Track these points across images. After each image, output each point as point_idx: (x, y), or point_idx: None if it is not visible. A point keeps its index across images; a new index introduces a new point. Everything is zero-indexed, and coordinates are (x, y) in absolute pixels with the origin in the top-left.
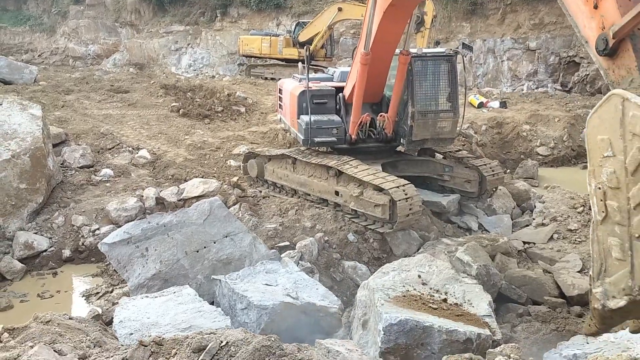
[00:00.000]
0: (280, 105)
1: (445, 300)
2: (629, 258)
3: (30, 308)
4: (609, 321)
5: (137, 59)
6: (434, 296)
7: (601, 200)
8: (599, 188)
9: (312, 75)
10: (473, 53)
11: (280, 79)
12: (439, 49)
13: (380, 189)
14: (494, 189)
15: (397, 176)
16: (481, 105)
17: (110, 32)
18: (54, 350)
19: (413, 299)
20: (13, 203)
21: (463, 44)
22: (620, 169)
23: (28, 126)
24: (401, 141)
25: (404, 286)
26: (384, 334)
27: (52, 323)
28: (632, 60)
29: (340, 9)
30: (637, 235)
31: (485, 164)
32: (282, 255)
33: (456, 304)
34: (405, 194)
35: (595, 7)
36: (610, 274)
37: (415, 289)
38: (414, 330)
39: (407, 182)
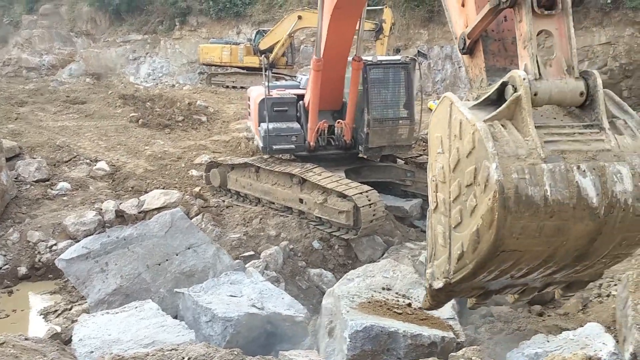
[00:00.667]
0: (249, 112)
1: (409, 304)
2: (448, 245)
3: None
4: (437, 299)
5: (94, 69)
6: (398, 301)
7: (434, 191)
8: (433, 180)
9: (279, 82)
10: (429, 60)
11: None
12: (395, 57)
13: (343, 196)
14: None
15: (360, 182)
16: None
17: (66, 42)
18: None
19: (378, 305)
20: None
21: (418, 51)
22: (446, 165)
23: None
24: (359, 148)
25: (368, 292)
26: (349, 341)
27: (6, 345)
28: (482, 61)
29: (299, 17)
30: (454, 225)
31: None
32: (247, 265)
33: (420, 308)
34: (369, 200)
35: (463, 5)
36: (437, 257)
37: (380, 295)
38: (380, 336)
39: (370, 188)
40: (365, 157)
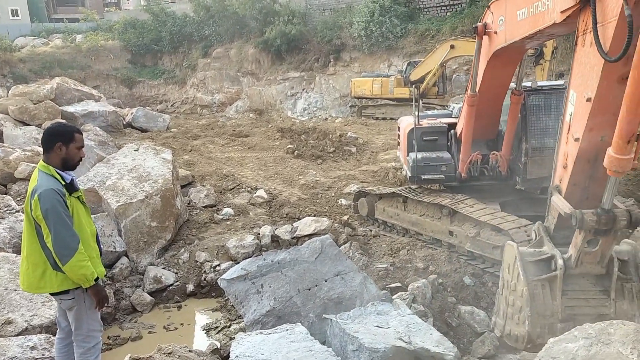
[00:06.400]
0: (398, 142)
1: None
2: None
3: (157, 339)
4: None
5: (256, 105)
6: None
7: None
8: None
9: (430, 112)
10: None
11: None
12: (558, 82)
13: (498, 230)
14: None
15: (518, 216)
16: None
17: (233, 82)
18: None
19: None
20: (145, 240)
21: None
22: (507, 286)
23: (160, 169)
24: (516, 179)
25: None
26: None
27: (173, 355)
28: None
29: (452, 47)
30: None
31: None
32: (394, 296)
33: None
34: (527, 235)
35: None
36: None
37: None
38: None
39: (528, 222)
40: (522, 189)
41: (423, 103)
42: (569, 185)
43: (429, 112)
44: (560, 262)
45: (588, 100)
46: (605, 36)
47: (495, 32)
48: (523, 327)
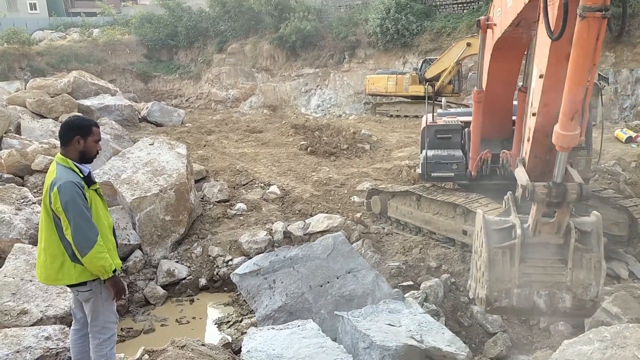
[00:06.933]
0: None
1: None
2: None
3: (169, 332)
4: None
5: (270, 101)
6: None
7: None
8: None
9: (453, 110)
10: (615, 84)
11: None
12: None
13: None
14: None
15: None
16: (629, 140)
17: (248, 77)
18: None
19: None
20: (159, 233)
21: (599, 74)
22: (477, 250)
23: (174, 164)
24: None
25: None
26: None
27: (186, 348)
28: None
29: (469, 44)
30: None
31: (636, 205)
32: (406, 295)
33: None
34: None
35: None
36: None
37: None
38: None
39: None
40: None
41: (438, 101)
42: (531, 157)
43: (452, 110)
44: (518, 231)
45: (541, 76)
46: (554, 15)
47: (495, 25)
48: (483, 291)
